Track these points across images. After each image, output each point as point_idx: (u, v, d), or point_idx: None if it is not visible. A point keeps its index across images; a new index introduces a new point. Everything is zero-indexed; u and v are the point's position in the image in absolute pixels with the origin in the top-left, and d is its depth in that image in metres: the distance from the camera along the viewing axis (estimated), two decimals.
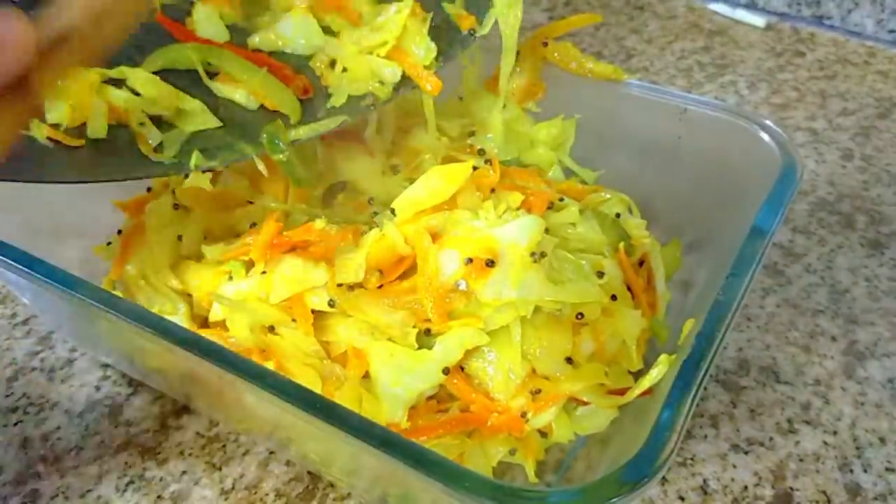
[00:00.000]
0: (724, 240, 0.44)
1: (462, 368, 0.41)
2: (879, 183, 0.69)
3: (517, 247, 0.40)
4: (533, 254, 0.40)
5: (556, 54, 0.52)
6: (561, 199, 0.47)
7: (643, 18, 0.96)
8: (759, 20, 0.93)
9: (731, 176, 0.48)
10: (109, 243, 0.51)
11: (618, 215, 0.49)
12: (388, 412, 0.39)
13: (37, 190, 0.52)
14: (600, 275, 0.43)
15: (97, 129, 0.43)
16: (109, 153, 0.44)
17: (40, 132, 0.42)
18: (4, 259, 0.40)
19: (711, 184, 0.49)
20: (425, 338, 0.41)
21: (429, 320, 0.40)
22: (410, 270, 0.42)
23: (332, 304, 0.42)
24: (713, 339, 0.35)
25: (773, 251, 0.63)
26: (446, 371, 0.40)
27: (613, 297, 0.43)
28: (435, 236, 0.41)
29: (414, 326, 0.41)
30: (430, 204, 0.42)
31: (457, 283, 0.40)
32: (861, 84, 0.82)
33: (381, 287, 0.42)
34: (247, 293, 0.43)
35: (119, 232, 0.51)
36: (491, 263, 0.40)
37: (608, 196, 0.50)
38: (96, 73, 0.44)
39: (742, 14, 0.94)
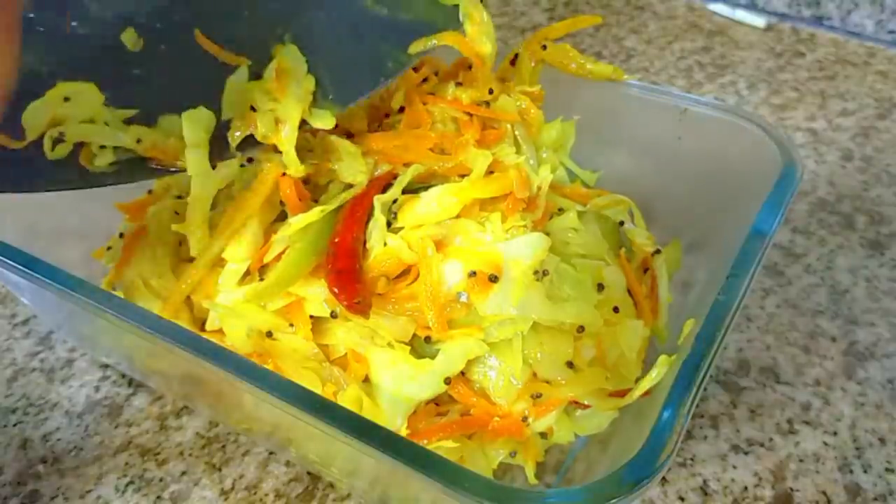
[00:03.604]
0: (724, 240, 0.44)
1: (462, 373, 0.41)
2: (879, 183, 0.69)
3: (521, 264, 0.40)
4: (536, 272, 0.40)
5: (555, 56, 0.52)
6: (560, 210, 0.47)
7: (643, 18, 0.96)
8: (759, 20, 0.93)
9: (731, 176, 0.48)
10: (109, 247, 0.51)
11: (621, 223, 0.48)
12: (389, 419, 0.39)
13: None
14: (600, 287, 0.43)
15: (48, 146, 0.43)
16: (44, 158, 0.43)
17: None
18: (4, 259, 0.40)
19: (711, 184, 0.49)
20: (425, 345, 0.41)
21: (429, 328, 0.40)
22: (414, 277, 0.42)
23: (334, 315, 0.42)
24: (713, 340, 0.35)
25: (773, 251, 0.63)
26: (448, 381, 0.40)
27: (615, 309, 0.43)
28: (438, 244, 0.41)
29: (414, 334, 0.41)
30: (440, 219, 0.42)
31: (458, 295, 0.40)
32: (861, 84, 0.82)
33: (380, 294, 0.42)
34: (243, 301, 0.43)
35: (120, 235, 0.51)
36: (494, 278, 0.39)
37: (611, 199, 0.50)
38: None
39: (742, 14, 0.94)
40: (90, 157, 0.44)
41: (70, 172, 0.43)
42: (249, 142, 0.44)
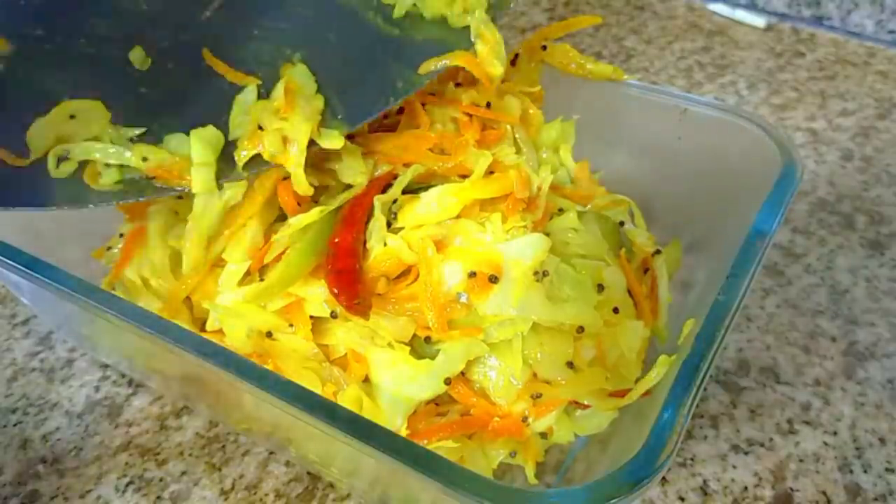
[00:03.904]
0: (724, 240, 0.44)
1: (462, 373, 0.41)
2: (879, 183, 0.69)
3: (521, 264, 0.40)
4: (536, 272, 0.40)
5: (554, 56, 0.52)
6: (560, 210, 0.47)
7: (643, 18, 0.96)
8: (759, 20, 0.93)
9: (731, 176, 0.48)
10: (109, 247, 0.51)
11: (622, 223, 0.48)
12: (388, 419, 0.39)
13: None
14: (600, 288, 0.43)
15: (52, 166, 0.43)
16: (48, 176, 0.43)
17: None
18: (4, 259, 0.40)
19: (711, 184, 0.49)
20: (425, 345, 0.41)
21: (429, 328, 0.40)
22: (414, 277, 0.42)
23: (334, 315, 0.42)
24: (713, 340, 0.35)
25: (773, 251, 0.63)
26: (448, 381, 0.40)
27: (615, 310, 0.43)
28: (439, 244, 0.41)
29: (414, 334, 0.41)
30: (440, 220, 0.42)
31: (458, 295, 0.40)
32: (861, 84, 0.82)
33: (380, 294, 0.42)
34: (243, 302, 0.43)
35: (120, 235, 0.50)
36: (494, 279, 0.39)
37: (611, 199, 0.50)
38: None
39: (742, 14, 0.94)
40: (95, 176, 0.43)
41: (74, 191, 0.43)
42: (256, 161, 0.43)
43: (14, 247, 0.41)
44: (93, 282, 0.39)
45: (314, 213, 0.42)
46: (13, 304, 0.61)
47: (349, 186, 0.45)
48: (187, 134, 0.43)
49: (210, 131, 0.43)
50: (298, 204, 0.44)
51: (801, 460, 0.48)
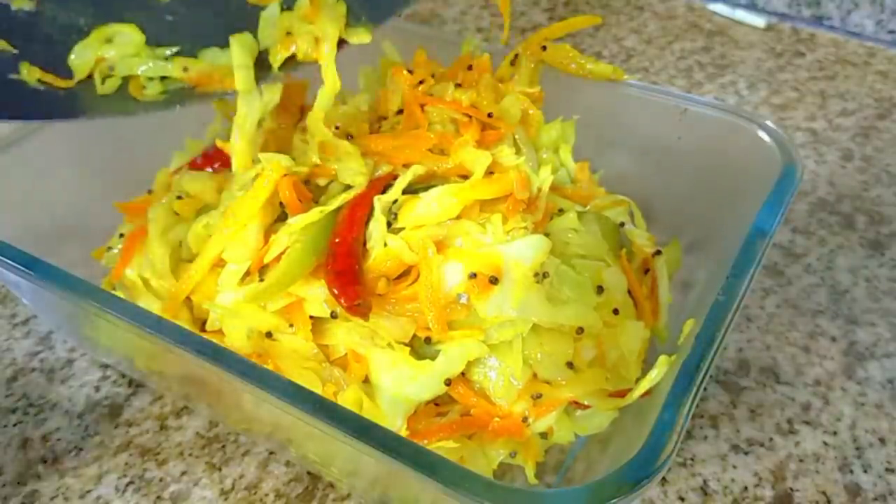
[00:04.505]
0: (724, 240, 0.44)
1: (463, 374, 0.41)
2: (879, 183, 0.69)
3: (521, 266, 0.40)
4: (536, 274, 0.40)
5: (554, 57, 0.52)
6: (560, 211, 0.47)
7: (643, 18, 0.96)
8: (759, 20, 0.93)
9: (731, 176, 0.48)
10: (109, 247, 0.51)
11: (622, 224, 0.49)
12: (388, 420, 0.40)
13: (37, 191, 0.52)
14: (600, 289, 0.43)
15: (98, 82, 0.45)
16: (95, 93, 0.45)
17: (32, 75, 0.43)
18: (4, 259, 0.40)
19: (711, 184, 0.49)
20: (426, 346, 0.41)
21: (429, 329, 0.40)
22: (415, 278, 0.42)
23: (334, 315, 0.42)
24: (713, 340, 0.35)
25: (773, 251, 0.63)
26: (448, 382, 0.40)
27: (615, 311, 0.43)
28: (439, 245, 0.41)
29: (414, 334, 0.41)
30: (440, 220, 0.42)
31: (458, 296, 0.40)
32: (861, 84, 0.82)
33: (380, 294, 0.42)
34: (243, 302, 0.43)
35: (120, 235, 0.50)
36: (494, 280, 0.40)
37: (611, 200, 0.50)
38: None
39: (742, 14, 0.94)
40: (139, 89, 0.45)
41: (121, 104, 0.45)
42: (289, 65, 0.45)
43: (14, 247, 0.41)
44: (93, 282, 0.39)
45: (315, 214, 0.42)
46: (13, 304, 0.61)
47: (349, 187, 0.45)
48: (220, 48, 0.45)
49: (247, 37, 0.45)
50: (300, 200, 0.44)
51: (801, 460, 0.48)
